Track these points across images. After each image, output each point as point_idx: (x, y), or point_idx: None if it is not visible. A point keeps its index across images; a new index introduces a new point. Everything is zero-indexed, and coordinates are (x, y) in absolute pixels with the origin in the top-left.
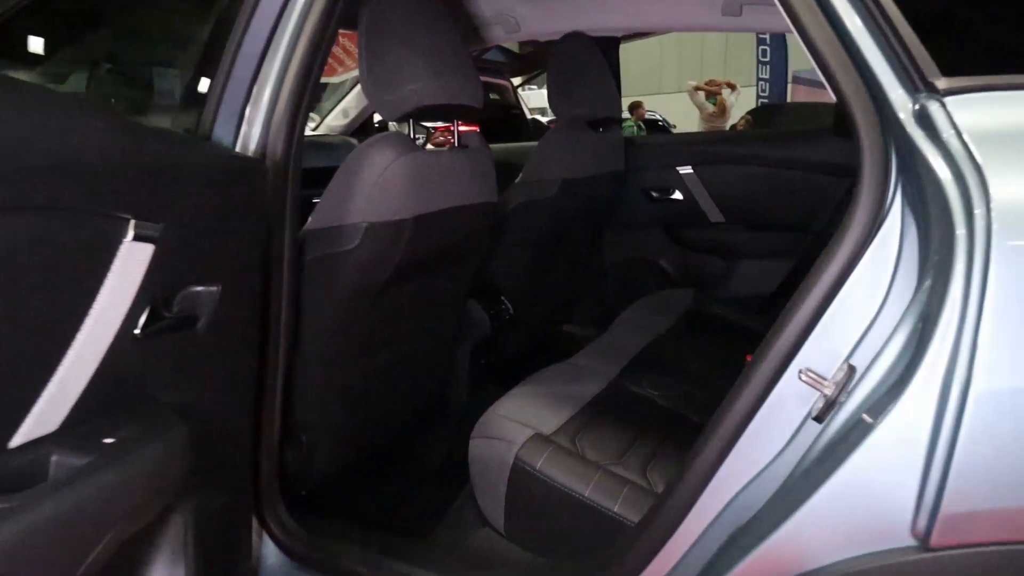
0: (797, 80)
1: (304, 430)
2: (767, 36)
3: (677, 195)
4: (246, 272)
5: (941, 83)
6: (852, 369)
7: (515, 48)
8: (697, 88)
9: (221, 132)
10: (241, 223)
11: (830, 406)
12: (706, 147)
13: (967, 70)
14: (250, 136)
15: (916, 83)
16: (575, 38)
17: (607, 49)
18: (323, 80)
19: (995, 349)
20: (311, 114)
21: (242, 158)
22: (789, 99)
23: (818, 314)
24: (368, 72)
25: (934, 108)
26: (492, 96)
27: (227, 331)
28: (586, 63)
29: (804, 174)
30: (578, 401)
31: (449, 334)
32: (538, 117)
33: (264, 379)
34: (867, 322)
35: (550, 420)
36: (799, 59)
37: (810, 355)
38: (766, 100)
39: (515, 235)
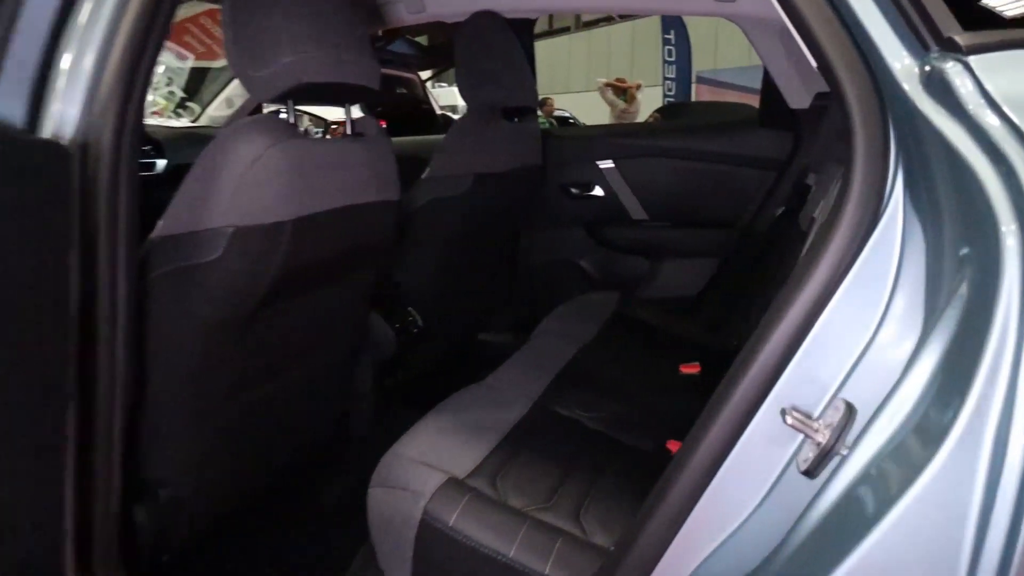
0: (700, 80)
1: (161, 484)
2: (671, 36)
3: (598, 191)
4: (35, 296)
5: (963, 39)
6: (850, 409)
7: (424, 42)
8: (607, 84)
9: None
10: (22, 228)
11: (824, 456)
12: (628, 140)
13: (995, 22)
14: (60, 116)
15: (925, 39)
16: (486, 16)
17: (521, 33)
18: (204, 65)
19: None
20: (190, 104)
21: (22, 139)
22: (694, 98)
23: (799, 336)
24: (233, 42)
25: (954, 71)
26: (400, 90)
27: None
28: (500, 45)
29: (730, 168)
30: (497, 431)
31: (346, 355)
32: (449, 114)
33: (90, 433)
34: (861, 346)
35: (465, 459)
36: (701, 59)
37: (790, 388)
38: (672, 99)
39: (423, 237)
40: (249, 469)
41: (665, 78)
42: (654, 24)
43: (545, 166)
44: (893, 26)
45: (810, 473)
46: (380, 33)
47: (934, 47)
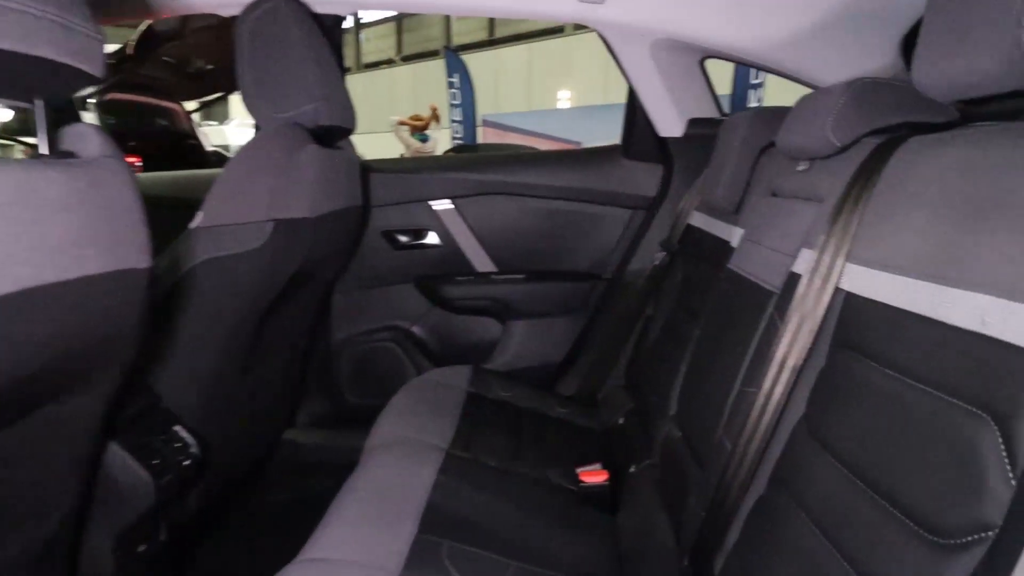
0: (487, 123)
1: None
2: (455, 79)
3: (432, 239)
4: None
5: None
6: None
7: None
8: (401, 123)
9: None
10: None
11: None
12: (468, 174)
13: None
14: None
15: None
16: (282, 3)
17: (329, 32)
18: None
19: None
20: None
21: None
22: (480, 140)
23: None
24: None
25: None
26: (160, 121)
27: None
28: (303, 44)
29: (591, 207)
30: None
31: (55, 533)
32: (222, 152)
33: None
34: None
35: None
36: (484, 103)
37: None
38: (461, 141)
39: (194, 316)
40: None
41: (452, 120)
42: (436, 67)
43: (366, 207)
44: None
45: None
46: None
47: None
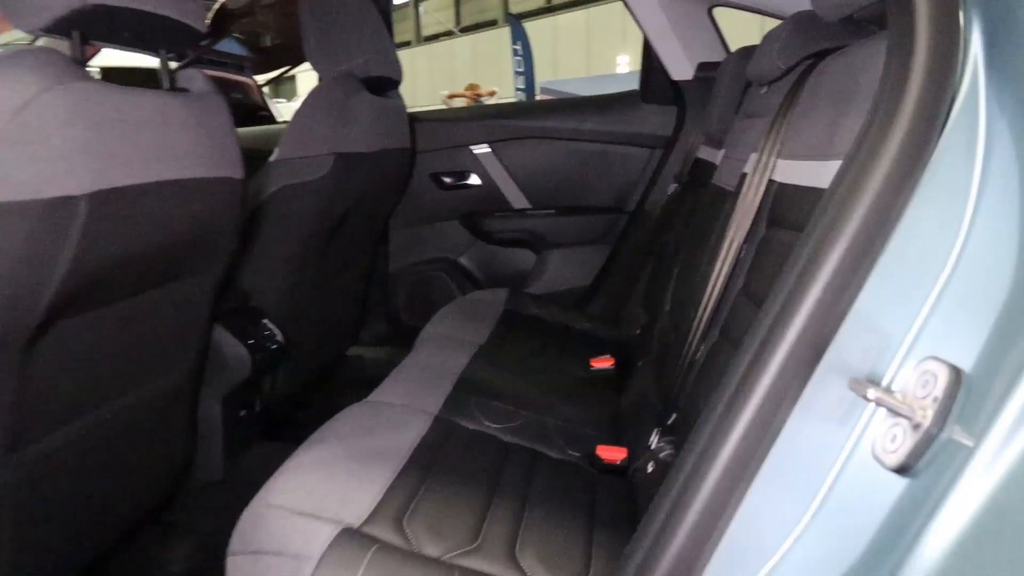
0: (545, 90)
1: None
2: (519, 47)
3: (474, 179)
4: None
5: None
6: (958, 376)
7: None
8: (452, 96)
9: None
10: None
11: (928, 442)
12: (503, 121)
13: None
14: None
15: None
16: None
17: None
18: None
19: None
20: None
21: None
22: None
23: (856, 267)
24: None
25: None
26: (234, 95)
27: None
28: (352, 6)
29: (614, 147)
30: (394, 458)
31: (183, 381)
32: None
33: None
34: (944, 276)
35: (357, 500)
36: (543, 70)
37: (851, 348)
38: None
39: (275, 232)
40: (52, 551)
41: (516, 88)
42: (494, 38)
43: (413, 153)
44: None
45: (907, 469)
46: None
47: None
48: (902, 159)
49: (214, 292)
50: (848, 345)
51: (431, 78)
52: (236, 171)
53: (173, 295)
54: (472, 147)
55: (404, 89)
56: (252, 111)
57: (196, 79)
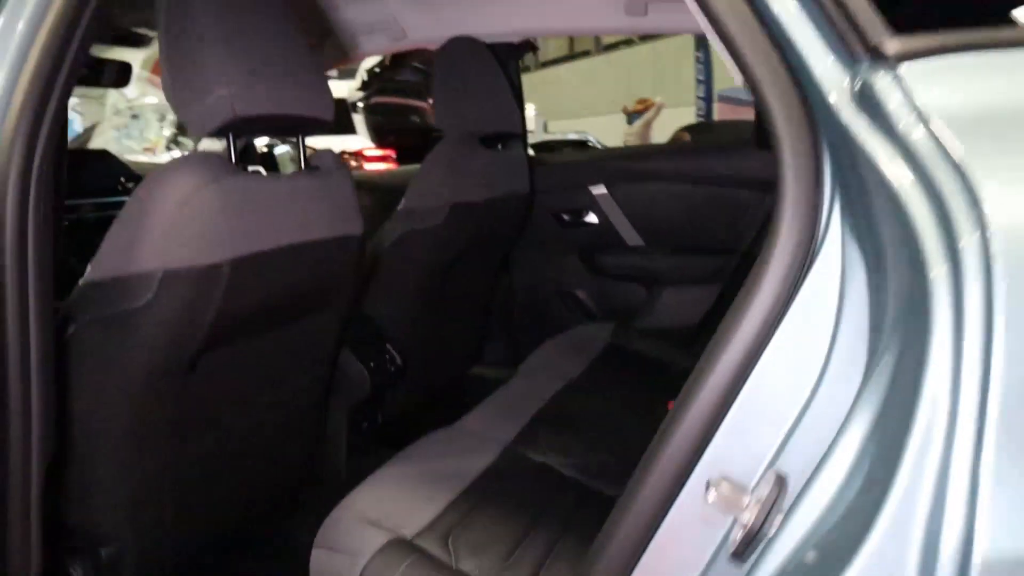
0: (721, 98)
1: (102, 542)
2: (702, 54)
3: (591, 218)
4: None
5: (891, 45)
6: (782, 481)
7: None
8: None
9: None
10: None
11: (752, 538)
12: (620, 164)
13: (929, 23)
14: None
15: (854, 49)
16: (460, 42)
17: (506, 58)
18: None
19: (1009, 468)
20: (182, 139)
21: None
22: (715, 117)
23: (731, 390)
24: (169, 74)
25: (883, 83)
26: (413, 119)
27: None
28: (475, 70)
29: (727, 190)
30: (459, 481)
31: (314, 399)
32: None
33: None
34: (799, 405)
35: (417, 514)
36: (722, 78)
37: (721, 455)
38: (702, 118)
39: (397, 272)
40: (201, 522)
41: (697, 97)
42: (674, 44)
43: (534, 193)
44: (820, 32)
45: (739, 556)
46: (386, 62)
47: (863, 56)
48: (775, 303)
49: (341, 323)
50: (725, 457)
51: (612, 86)
52: (355, 229)
53: (303, 328)
54: (590, 187)
55: (586, 98)
56: (427, 132)
57: (326, 157)
